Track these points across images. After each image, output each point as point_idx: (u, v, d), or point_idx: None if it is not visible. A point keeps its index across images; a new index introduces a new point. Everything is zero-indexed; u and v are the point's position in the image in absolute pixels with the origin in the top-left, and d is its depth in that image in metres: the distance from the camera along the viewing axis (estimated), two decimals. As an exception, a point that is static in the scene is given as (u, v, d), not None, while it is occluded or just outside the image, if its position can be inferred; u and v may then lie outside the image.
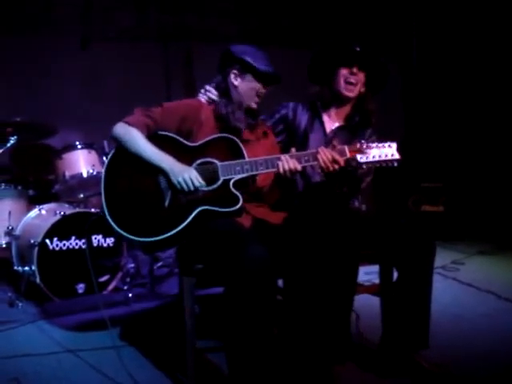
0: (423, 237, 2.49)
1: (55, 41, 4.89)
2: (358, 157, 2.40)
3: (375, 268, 2.65)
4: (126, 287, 3.66)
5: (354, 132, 2.75)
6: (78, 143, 3.98)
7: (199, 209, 2.32)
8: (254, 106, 2.58)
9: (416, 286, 2.46)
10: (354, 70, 2.66)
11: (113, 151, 2.48)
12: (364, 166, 2.46)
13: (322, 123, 2.78)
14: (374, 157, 2.39)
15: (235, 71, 2.55)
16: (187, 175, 2.34)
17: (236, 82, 2.56)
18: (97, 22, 5.03)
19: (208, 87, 2.65)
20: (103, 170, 2.44)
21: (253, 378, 2.16)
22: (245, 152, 2.45)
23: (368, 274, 2.95)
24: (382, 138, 2.48)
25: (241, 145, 2.46)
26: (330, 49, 2.74)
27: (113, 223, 2.32)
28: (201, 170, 2.39)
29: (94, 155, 3.99)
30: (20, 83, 4.85)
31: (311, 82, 2.85)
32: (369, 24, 5.92)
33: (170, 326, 3.06)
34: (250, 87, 2.55)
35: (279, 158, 2.40)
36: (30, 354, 2.73)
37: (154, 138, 2.43)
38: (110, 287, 3.66)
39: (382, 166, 2.45)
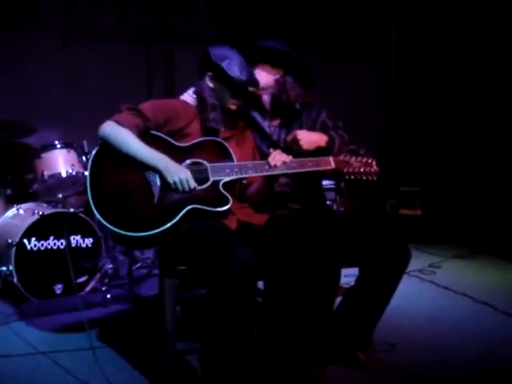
0: (398, 242, 2.52)
1: (35, 38, 4.83)
2: (344, 169, 2.50)
3: (354, 271, 2.67)
4: (104, 288, 3.63)
5: (296, 124, 2.77)
6: (57, 142, 3.93)
7: (189, 207, 2.32)
8: (233, 108, 2.58)
9: (376, 290, 2.51)
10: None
11: (97, 148, 2.43)
12: (346, 177, 2.53)
13: (262, 129, 2.78)
14: (356, 169, 2.50)
15: (210, 74, 2.56)
16: (183, 176, 2.33)
17: (211, 85, 2.57)
18: (78, 20, 4.99)
19: (190, 89, 2.66)
20: (89, 163, 2.38)
21: (226, 380, 2.18)
22: (234, 155, 2.47)
23: (347, 276, 2.96)
24: (364, 154, 2.57)
25: (230, 149, 2.48)
26: (245, 49, 2.71)
27: (100, 217, 2.27)
28: (191, 169, 2.39)
29: (73, 155, 3.95)
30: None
31: None
32: (347, 26, 5.97)
33: (148, 328, 3.05)
34: (222, 91, 2.55)
35: (268, 163, 2.44)
36: (8, 355, 2.71)
37: (144, 136, 2.40)
38: (88, 288, 3.64)
39: (361, 179, 2.54)
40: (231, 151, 2.49)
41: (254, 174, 2.44)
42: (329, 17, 5.92)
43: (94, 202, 2.29)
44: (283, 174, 2.56)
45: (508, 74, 5.36)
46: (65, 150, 3.93)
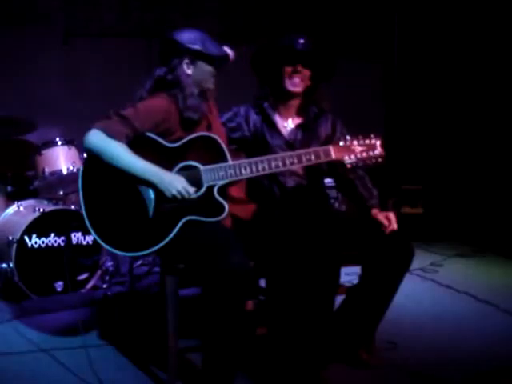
0: (401, 240, 2.51)
1: (36, 35, 4.83)
2: (346, 157, 2.42)
3: (356, 269, 2.66)
4: (105, 285, 3.64)
5: (313, 127, 2.73)
6: (58, 139, 3.92)
7: (184, 219, 2.29)
8: (211, 86, 2.50)
9: (378, 288, 2.49)
10: (298, 68, 2.63)
11: (85, 161, 2.37)
12: (349, 166, 2.48)
13: (274, 125, 2.72)
14: (358, 155, 2.42)
15: (187, 61, 2.40)
16: (180, 186, 2.27)
17: (189, 71, 2.42)
18: (79, 17, 4.97)
19: (148, 83, 2.50)
20: (79, 180, 2.33)
21: (226, 378, 2.20)
22: (227, 153, 2.38)
23: (349, 274, 2.96)
24: (365, 135, 2.48)
25: (223, 145, 2.39)
26: (273, 48, 2.70)
27: (99, 239, 2.28)
28: (185, 175, 2.32)
29: (74, 152, 3.94)
30: (-1, 77, 4.78)
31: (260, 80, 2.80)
32: (351, 23, 5.95)
33: (149, 326, 3.04)
34: (204, 72, 2.44)
35: (264, 161, 2.38)
36: (9, 353, 2.70)
37: (133, 142, 2.31)
38: (89, 285, 3.63)
39: (366, 164, 2.46)
40: (223, 147, 2.39)
41: (250, 175, 2.37)
42: (331, 14, 5.90)
43: (91, 224, 2.29)
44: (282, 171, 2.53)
45: (509, 74, 5.34)
46: (66, 147, 3.92)
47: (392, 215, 2.54)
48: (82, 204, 2.31)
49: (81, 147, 3.91)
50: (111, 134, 2.27)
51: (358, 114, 5.48)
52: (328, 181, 3.20)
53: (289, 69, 2.63)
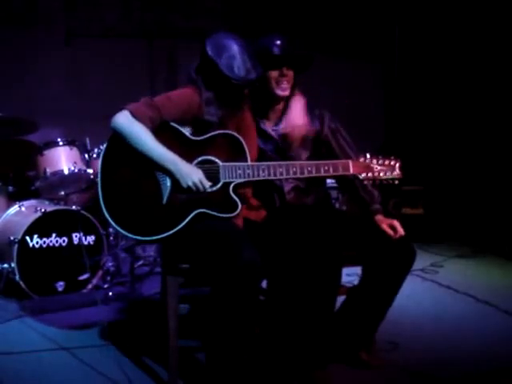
0: (403, 241, 2.51)
1: (38, 35, 4.84)
2: (363, 174, 2.43)
3: (357, 269, 2.67)
4: (106, 286, 3.64)
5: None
6: (59, 140, 3.93)
7: (196, 211, 2.30)
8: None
9: (379, 289, 2.49)
10: (284, 71, 2.60)
11: (109, 141, 2.38)
12: (365, 182, 2.50)
13: (265, 132, 2.67)
14: (376, 174, 2.42)
15: (208, 74, 2.41)
16: (196, 178, 2.28)
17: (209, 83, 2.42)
18: (81, 17, 4.98)
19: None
20: (100, 162, 2.34)
21: (231, 378, 2.19)
22: (248, 153, 2.39)
23: (350, 275, 2.96)
24: (385, 156, 2.47)
25: (245, 145, 2.39)
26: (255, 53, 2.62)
27: (110, 218, 2.29)
28: (203, 169, 2.34)
29: (75, 152, 3.95)
30: (0, 77, 4.78)
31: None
32: (351, 23, 5.96)
33: (150, 326, 3.05)
34: (225, 87, 2.42)
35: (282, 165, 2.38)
36: (10, 352, 2.71)
37: (158, 130, 2.33)
38: (90, 285, 3.64)
39: (381, 183, 2.47)
40: (245, 148, 2.39)
41: (267, 177, 2.37)
42: (332, 15, 5.90)
43: (104, 204, 2.30)
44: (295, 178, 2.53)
45: (508, 75, 5.34)
46: (67, 148, 3.93)
47: (396, 222, 2.53)
48: (99, 182, 2.33)
49: (82, 148, 3.97)
50: (137, 116, 2.29)
51: (358, 114, 5.50)
52: (330, 181, 3.21)
53: (274, 73, 2.59)
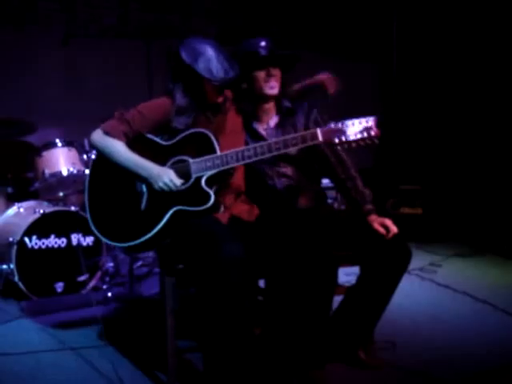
0: (398, 241, 2.50)
1: (36, 36, 4.84)
2: (335, 139, 2.29)
3: (356, 269, 2.67)
4: (105, 286, 3.64)
5: (290, 122, 2.70)
6: (58, 141, 3.94)
7: (173, 210, 2.36)
8: (219, 100, 2.52)
9: (377, 288, 2.49)
10: (270, 71, 2.61)
11: (94, 158, 2.55)
12: (339, 147, 2.48)
13: (256, 132, 2.68)
14: (350, 136, 2.28)
15: (186, 81, 2.48)
16: (166, 178, 2.36)
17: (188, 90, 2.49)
18: (79, 18, 4.99)
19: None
20: (86, 180, 2.52)
21: (226, 378, 2.19)
22: (216, 146, 2.40)
23: (348, 275, 2.96)
24: (358, 116, 2.33)
25: (213, 138, 2.41)
26: (242, 56, 2.64)
27: (96, 231, 2.44)
28: (175, 169, 2.41)
29: (74, 153, 3.96)
30: (-2, 79, 4.79)
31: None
32: (349, 23, 5.96)
33: (149, 326, 3.05)
34: (205, 91, 2.48)
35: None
36: (8, 353, 2.72)
37: (133, 142, 2.46)
38: (89, 286, 3.64)
39: (359, 145, 2.32)
40: (213, 141, 2.41)
41: (236, 163, 2.38)
42: (329, 14, 5.91)
43: (91, 218, 2.48)
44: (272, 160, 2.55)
45: (508, 73, 5.35)
46: (66, 149, 3.94)
47: (387, 220, 2.51)
48: (86, 200, 2.50)
49: (81, 149, 3.97)
50: (110, 132, 2.44)
51: (355, 113, 5.48)
52: (327, 181, 3.21)
53: (262, 74, 2.60)
